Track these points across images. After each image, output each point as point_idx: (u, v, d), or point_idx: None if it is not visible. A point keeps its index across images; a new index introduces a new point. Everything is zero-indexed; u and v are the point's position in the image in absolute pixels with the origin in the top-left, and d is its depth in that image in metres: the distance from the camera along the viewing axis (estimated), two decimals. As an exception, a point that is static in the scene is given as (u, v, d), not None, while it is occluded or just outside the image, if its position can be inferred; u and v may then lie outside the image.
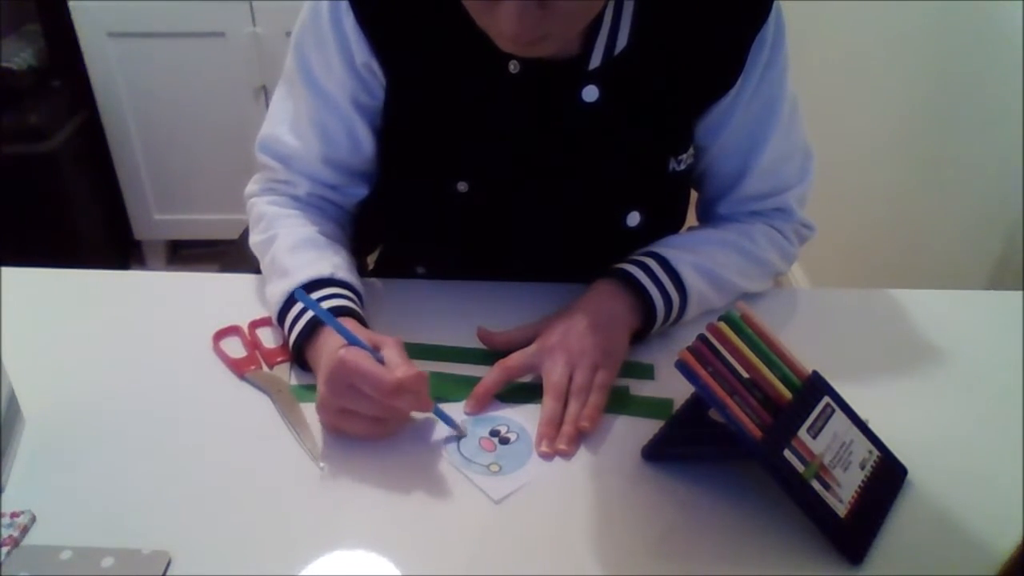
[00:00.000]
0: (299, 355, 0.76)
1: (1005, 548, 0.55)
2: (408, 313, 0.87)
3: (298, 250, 0.80)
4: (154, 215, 2.36)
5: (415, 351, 0.81)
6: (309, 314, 0.74)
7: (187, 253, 2.52)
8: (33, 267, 0.91)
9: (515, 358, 0.76)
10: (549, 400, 0.72)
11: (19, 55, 2.07)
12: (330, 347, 0.70)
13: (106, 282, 0.94)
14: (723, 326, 0.66)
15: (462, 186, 0.83)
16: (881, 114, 1.79)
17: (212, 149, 2.25)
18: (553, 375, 0.73)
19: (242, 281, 0.93)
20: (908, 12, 1.67)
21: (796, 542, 0.61)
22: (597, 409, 0.72)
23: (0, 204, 2.00)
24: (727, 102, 0.82)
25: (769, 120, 0.84)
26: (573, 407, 0.72)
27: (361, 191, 0.91)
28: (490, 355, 0.80)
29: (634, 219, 0.85)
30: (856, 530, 0.61)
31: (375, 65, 0.80)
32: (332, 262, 0.79)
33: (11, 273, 0.90)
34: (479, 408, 0.74)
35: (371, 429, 0.68)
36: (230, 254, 1.07)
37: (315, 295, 0.75)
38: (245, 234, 1.11)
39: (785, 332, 0.69)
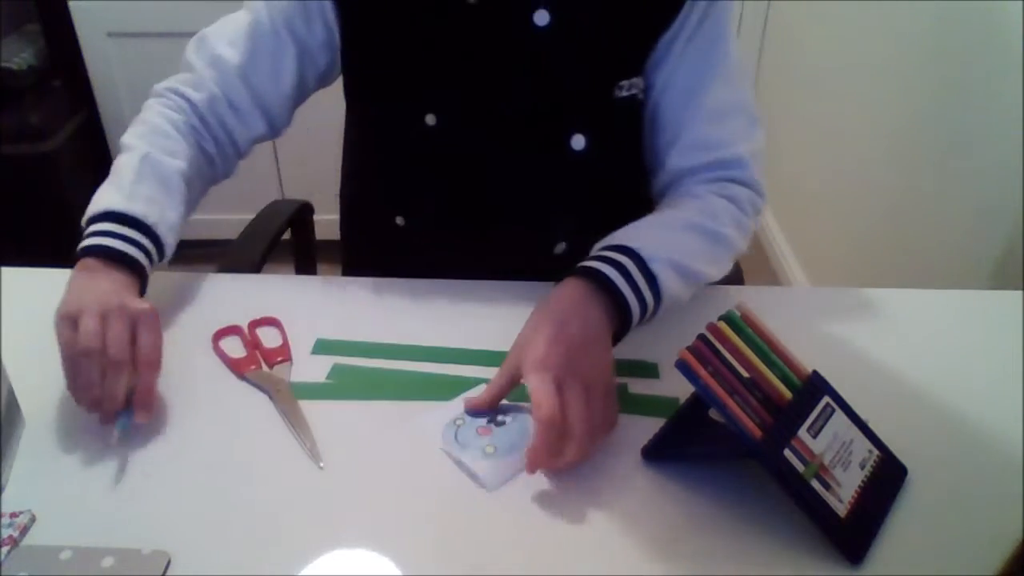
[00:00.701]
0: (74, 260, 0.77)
1: (1005, 548, 0.55)
2: (403, 313, 0.87)
3: (144, 178, 0.82)
4: (154, 215, 2.36)
5: (408, 353, 0.81)
6: (95, 240, 0.76)
7: (187, 253, 2.52)
8: (33, 267, 0.91)
9: (497, 386, 0.71)
10: (542, 432, 0.63)
11: (19, 55, 2.07)
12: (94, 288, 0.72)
13: (106, 282, 0.93)
14: (723, 326, 0.66)
15: (430, 119, 0.87)
16: (881, 114, 1.79)
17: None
18: (543, 406, 0.63)
19: (242, 281, 0.93)
20: (908, 12, 1.67)
21: (796, 542, 0.61)
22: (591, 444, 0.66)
23: (0, 204, 2.00)
24: (670, 34, 0.85)
25: (711, 59, 0.87)
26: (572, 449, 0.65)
27: (258, 127, 0.92)
28: (482, 356, 0.80)
29: (579, 142, 0.87)
30: (856, 530, 0.61)
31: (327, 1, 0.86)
32: (161, 207, 0.81)
33: (11, 273, 0.90)
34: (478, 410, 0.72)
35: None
36: (230, 254, 1.07)
37: (120, 230, 0.78)
38: (245, 234, 1.11)
39: (785, 332, 0.69)
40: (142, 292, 0.77)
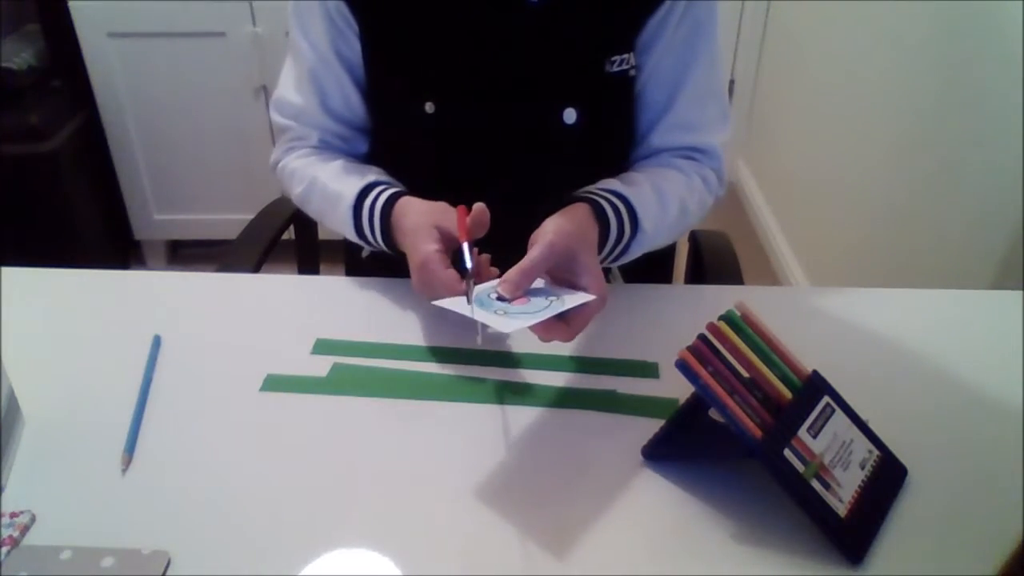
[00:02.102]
0: (393, 249, 0.87)
1: (1005, 548, 0.55)
2: (403, 313, 0.87)
3: (340, 176, 0.92)
4: (154, 215, 2.36)
5: (408, 353, 0.81)
6: (378, 215, 0.86)
7: (187, 253, 2.52)
8: (33, 267, 0.91)
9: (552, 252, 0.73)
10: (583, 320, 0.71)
11: (19, 55, 2.07)
12: (406, 235, 0.81)
13: (106, 282, 0.94)
14: (723, 326, 0.66)
15: (429, 107, 0.90)
16: (881, 114, 1.79)
17: (212, 149, 2.25)
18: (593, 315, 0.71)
19: (242, 281, 0.93)
20: (909, 12, 1.68)
21: (796, 542, 0.61)
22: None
23: (0, 204, 2.00)
24: (659, 17, 0.89)
25: (697, 45, 0.91)
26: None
27: (362, 147, 1.00)
28: (488, 356, 0.80)
29: (571, 116, 0.90)
30: (856, 530, 0.61)
31: (346, 11, 0.90)
32: (372, 172, 0.92)
33: (11, 273, 0.90)
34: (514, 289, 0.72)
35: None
36: (230, 254, 1.07)
37: (369, 198, 0.87)
38: (245, 234, 1.11)
39: (785, 332, 0.69)
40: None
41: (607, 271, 1.03)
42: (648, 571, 0.60)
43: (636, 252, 0.89)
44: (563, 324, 0.70)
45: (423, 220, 0.80)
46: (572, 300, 0.70)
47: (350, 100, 0.96)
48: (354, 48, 0.93)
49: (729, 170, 1.00)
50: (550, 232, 0.73)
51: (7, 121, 2.00)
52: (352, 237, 0.91)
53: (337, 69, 0.94)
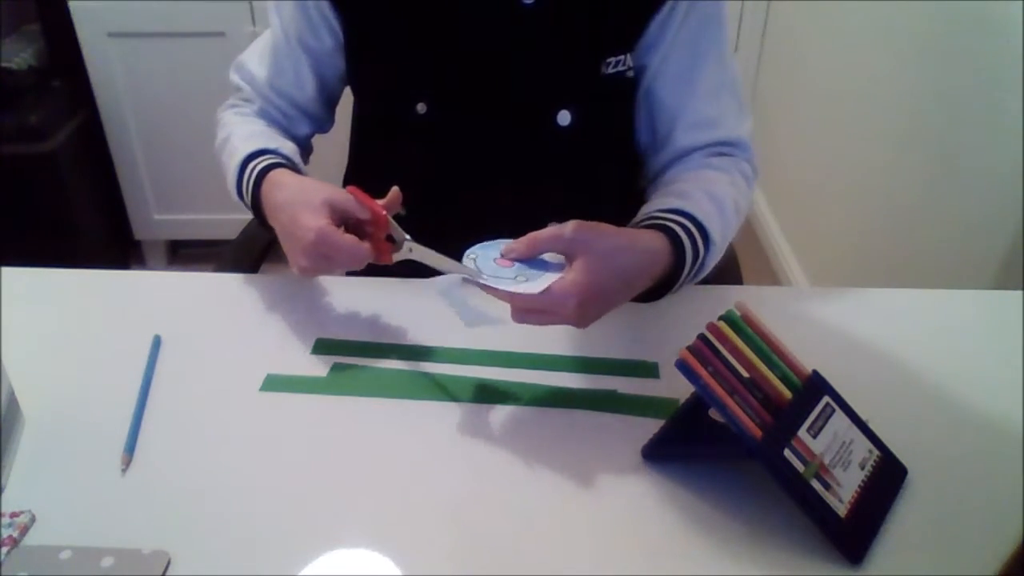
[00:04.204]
0: (259, 216, 0.87)
1: (1005, 548, 0.55)
2: (403, 313, 0.87)
3: (249, 137, 0.92)
4: (154, 215, 2.36)
5: (408, 353, 0.81)
6: (253, 177, 0.86)
7: (187, 253, 2.52)
8: (33, 267, 0.91)
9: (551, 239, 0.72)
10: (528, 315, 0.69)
11: (19, 55, 2.07)
12: (283, 209, 0.80)
13: (106, 282, 0.94)
14: (723, 325, 0.66)
15: (421, 108, 0.90)
16: (881, 114, 1.79)
17: (212, 149, 2.25)
18: (553, 316, 0.69)
19: (241, 281, 0.93)
20: (909, 12, 1.67)
21: (796, 542, 0.61)
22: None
23: (0, 204, 2.00)
24: (663, 16, 0.87)
25: (703, 42, 0.89)
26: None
27: (303, 128, 1.01)
28: (483, 356, 0.80)
29: (565, 118, 0.90)
30: (856, 530, 0.61)
31: (326, 8, 0.90)
32: (281, 144, 0.91)
33: (11, 273, 0.90)
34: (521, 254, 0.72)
35: (344, 272, 0.83)
36: (229, 254, 1.07)
37: (255, 161, 0.87)
38: (245, 234, 1.12)
39: (785, 332, 0.69)
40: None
41: None
42: (648, 571, 0.60)
43: (709, 266, 0.84)
44: (533, 298, 0.68)
45: (306, 196, 0.77)
46: (532, 287, 0.68)
47: (303, 84, 0.97)
48: (322, 40, 0.93)
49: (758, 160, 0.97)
50: (575, 223, 0.71)
51: (7, 121, 1.99)
52: (235, 198, 0.91)
53: (298, 55, 0.95)
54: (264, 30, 1.00)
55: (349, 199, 0.77)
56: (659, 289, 0.80)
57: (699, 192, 0.85)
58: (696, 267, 0.81)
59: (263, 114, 0.99)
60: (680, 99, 0.92)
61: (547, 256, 0.72)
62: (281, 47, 0.95)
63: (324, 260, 0.76)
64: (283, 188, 0.82)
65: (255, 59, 0.99)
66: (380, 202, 0.78)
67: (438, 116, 0.91)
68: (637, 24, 0.88)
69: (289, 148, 0.93)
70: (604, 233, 0.72)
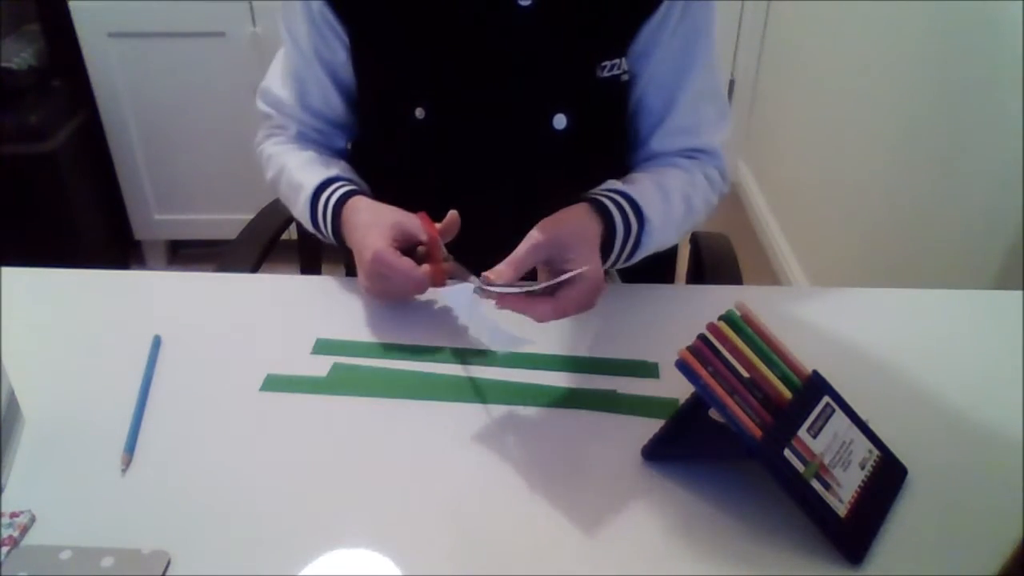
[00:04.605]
0: (340, 242, 0.90)
1: (1005, 548, 0.55)
2: (403, 313, 0.87)
3: (305, 167, 0.94)
4: (154, 215, 2.36)
5: (408, 353, 0.81)
6: (331, 207, 0.88)
7: (187, 253, 2.52)
8: (33, 267, 0.91)
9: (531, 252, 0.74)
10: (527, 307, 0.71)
11: (19, 55, 2.07)
12: (357, 230, 0.83)
13: (106, 282, 0.94)
14: (723, 325, 0.66)
15: (419, 112, 0.91)
16: (881, 114, 1.79)
17: (212, 149, 2.25)
18: (544, 316, 0.71)
19: (242, 281, 0.93)
20: (909, 12, 1.67)
21: (796, 542, 0.61)
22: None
23: (0, 204, 2.00)
24: (655, 23, 0.88)
25: (694, 49, 0.91)
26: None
27: (339, 142, 1.03)
28: (488, 356, 0.80)
29: (560, 122, 0.90)
30: (856, 530, 0.61)
31: (331, 16, 0.90)
32: (337, 167, 0.94)
33: (11, 273, 0.90)
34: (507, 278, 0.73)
35: (406, 296, 0.86)
36: (229, 254, 1.07)
37: (327, 192, 0.89)
38: (244, 234, 1.12)
39: (785, 332, 0.69)
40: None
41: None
42: (648, 571, 0.60)
43: (648, 246, 0.87)
44: (548, 298, 0.71)
45: (378, 219, 0.82)
46: (562, 276, 0.71)
47: (329, 99, 0.98)
48: (336, 51, 0.94)
49: (729, 170, 1.00)
50: (536, 228, 0.74)
51: (7, 121, 2.00)
52: (309, 228, 0.93)
53: (318, 70, 0.96)
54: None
55: (414, 223, 0.80)
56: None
57: (645, 179, 0.89)
58: (630, 241, 0.84)
59: (300, 137, 1.00)
60: (663, 105, 0.94)
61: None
62: (300, 67, 0.96)
63: (381, 280, 0.79)
64: (359, 212, 0.85)
65: (277, 83, 0.99)
66: (438, 226, 0.81)
67: (436, 120, 0.91)
68: (630, 28, 0.88)
69: (344, 167, 0.96)
70: (562, 220, 0.77)
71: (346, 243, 0.88)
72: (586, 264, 0.73)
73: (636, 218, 0.84)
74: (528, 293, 0.71)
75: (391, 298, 0.86)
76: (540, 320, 0.71)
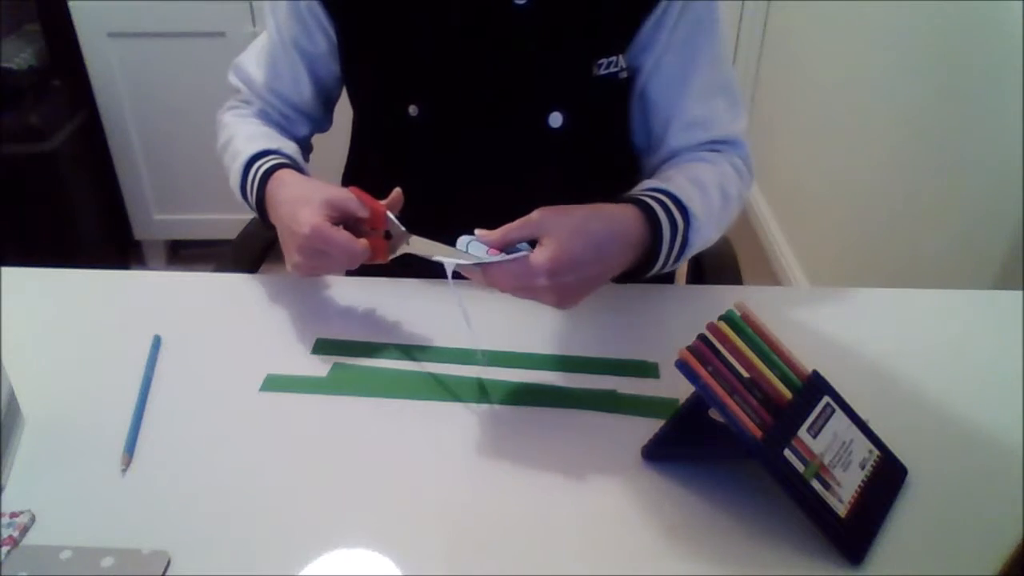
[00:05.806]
0: (263, 216, 0.88)
1: (1005, 548, 0.55)
2: (402, 313, 0.87)
3: (252, 139, 0.93)
4: (154, 215, 2.36)
5: (408, 353, 0.81)
6: (259, 177, 0.86)
7: (187, 253, 2.52)
8: (33, 267, 0.91)
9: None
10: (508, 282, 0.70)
11: (19, 55, 2.07)
12: (283, 204, 0.81)
13: (106, 282, 0.94)
14: (723, 325, 0.66)
15: (413, 110, 0.91)
16: (881, 114, 1.79)
17: (212, 149, 2.24)
18: (519, 291, 0.71)
19: (241, 281, 0.93)
20: (909, 12, 1.68)
21: (796, 542, 0.61)
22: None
23: (0, 204, 2.00)
24: (656, 17, 0.87)
25: (697, 43, 0.89)
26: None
27: (302, 129, 1.03)
28: (488, 357, 0.80)
29: (556, 120, 0.89)
30: (856, 530, 0.61)
31: (318, 9, 0.90)
32: (279, 143, 0.93)
33: (11, 273, 0.90)
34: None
35: (341, 270, 0.83)
36: (229, 254, 1.07)
37: (260, 162, 0.88)
38: (245, 234, 1.12)
39: (785, 332, 0.69)
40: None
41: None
42: (648, 571, 0.60)
43: (695, 243, 0.84)
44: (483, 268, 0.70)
45: (309, 194, 0.78)
46: (509, 256, 0.70)
47: (300, 87, 0.98)
48: (317, 44, 0.94)
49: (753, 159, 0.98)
50: (538, 208, 0.73)
51: (7, 121, 1.99)
52: (239, 198, 0.92)
53: (294, 57, 0.96)
54: (264, 30, 1.00)
55: (350, 198, 0.77)
56: (646, 265, 0.80)
57: (679, 176, 0.87)
58: (679, 240, 0.81)
59: (262, 115, 1.00)
60: (673, 100, 0.92)
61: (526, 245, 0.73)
62: (277, 50, 0.96)
63: (318, 256, 0.76)
64: (286, 186, 0.83)
65: (253, 61, 1.00)
66: (384, 202, 0.79)
67: (430, 118, 0.91)
68: (630, 25, 0.88)
69: (291, 148, 0.94)
70: (570, 210, 0.74)
71: (269, 220, 0.86)
72: (556, 249, 0.69)
73: (681, 215, 0.81)
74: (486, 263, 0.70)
75: (322, 273, 0.87)
76: (481, 284, 0.71)
